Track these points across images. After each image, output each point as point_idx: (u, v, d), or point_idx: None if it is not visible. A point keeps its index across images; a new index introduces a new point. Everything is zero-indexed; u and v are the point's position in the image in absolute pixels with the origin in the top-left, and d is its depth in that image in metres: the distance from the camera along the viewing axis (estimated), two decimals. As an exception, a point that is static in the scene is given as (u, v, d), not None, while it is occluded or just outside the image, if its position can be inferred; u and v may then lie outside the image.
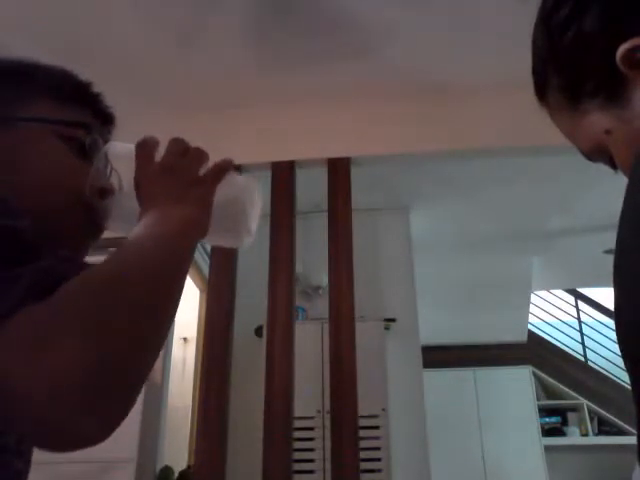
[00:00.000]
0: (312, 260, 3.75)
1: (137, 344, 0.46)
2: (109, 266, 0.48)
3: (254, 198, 0.66)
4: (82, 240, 0.65)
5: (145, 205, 0.58)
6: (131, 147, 0.63)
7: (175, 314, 0.52)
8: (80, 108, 0.68)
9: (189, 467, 3.35)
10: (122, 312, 0.44)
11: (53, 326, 0.41)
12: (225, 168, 0.64)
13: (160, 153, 0.63)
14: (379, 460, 3.24)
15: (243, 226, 0.64)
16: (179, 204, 0.57)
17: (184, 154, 0.62)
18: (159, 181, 0.59)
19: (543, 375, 6.52)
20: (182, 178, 0.59)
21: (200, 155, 0.63)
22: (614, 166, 0.59)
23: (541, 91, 0.63)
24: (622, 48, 0.51)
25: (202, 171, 0.62)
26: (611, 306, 0.47)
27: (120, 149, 0.65)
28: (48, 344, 0.40)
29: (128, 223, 0.61)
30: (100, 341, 0.42)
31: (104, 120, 0.72)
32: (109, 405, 0.44)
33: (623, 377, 5.97)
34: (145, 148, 0.62)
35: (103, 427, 0.45)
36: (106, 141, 0.71)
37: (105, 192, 0.65)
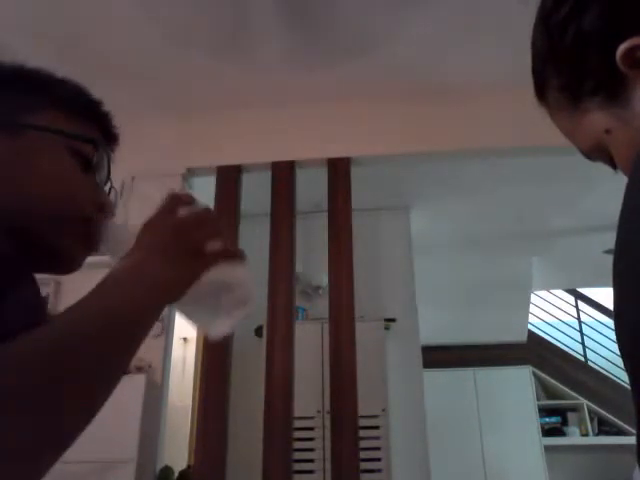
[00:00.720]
0: (312, 260, 3.75)
1: (74, 415, 0.46)
2: (54, 329, 0.46)
3: (244, 297, 0.63)
4: (78, 251, 0.66)
5: (137, 245, 0.58)
6: (157, 195, 0.63)
7: (116, 383, 0.51)
8: (89, 124, 0.69)
9: (189, 467, 3.35)
10: (59, 385, 0.44)
11: None
12: (234, 257, 0.62)
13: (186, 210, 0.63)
14: (379, 460, 3.24)
15: (219, 316, 0.62)
16: (167, 268, 0.56)
17: (204, 226, 0.61)
18: (164, 233, 0.59)
19: (543, 375, 6.52)
20: (186, 246, 0.59)
21: (217, 231, 0.62)
22: (614, 165, 0.59)
23: (541, 91, 0.63)
24: (622, 47, 0.51)
25: (210, 247, 0.61)
26: (611, 306, 0.47)
27: (147, 191, 0.67)
28: None
29: (114, 250, 0.62)
30: (35, 415, 0.42)
31: (109, 139, 0.73)
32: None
33: (623, 377, 5.97)
34: (175, 202, 0.62)
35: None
36: (111, 158, 0.73)
37: (105, 208, 0.66)
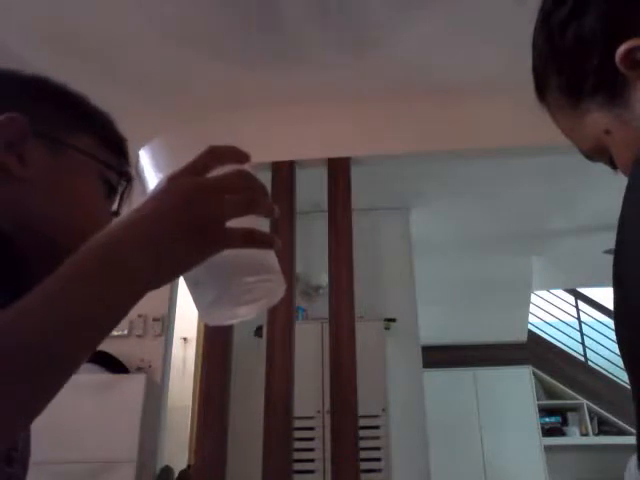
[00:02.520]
0: (312, 260, 3.75)
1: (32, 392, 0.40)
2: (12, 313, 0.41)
3: (264, 287, 0.51)
4: None
5: (144, 204, 0.47)
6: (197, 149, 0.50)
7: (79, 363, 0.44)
8: (115, 153, 0.71)
9: (189, 467, 3.35)
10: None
11: None
12: (256, 242, 0.49)
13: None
14: (379, 460, 3.24)
15: (226, 303, 0.50)
16: (171, 235, 0.45)
17: (233, 190, 0.48)
18: (176, 197, 0.46)
19: (543, 375, 6.52)
20: (201, 217, 0.46)
21: (247, 206, 0.48)
22: (614, 166, 0.59)
23: (541, 91, 0.63)
24: (621, 48, 0.51)
25: (234, 222, 0.48)
26: (611, 306, 0.47)
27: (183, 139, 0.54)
28: None
29: None
30: None
31: (126, 174, 0.75)
32: None
33: (623, 377, 5.97)
34: (207, 158, 0.49)
35: None
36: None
37: None
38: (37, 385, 0.41)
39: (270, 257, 0.52)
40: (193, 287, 0.52)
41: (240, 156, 0.51)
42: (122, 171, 0.70)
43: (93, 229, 0.59)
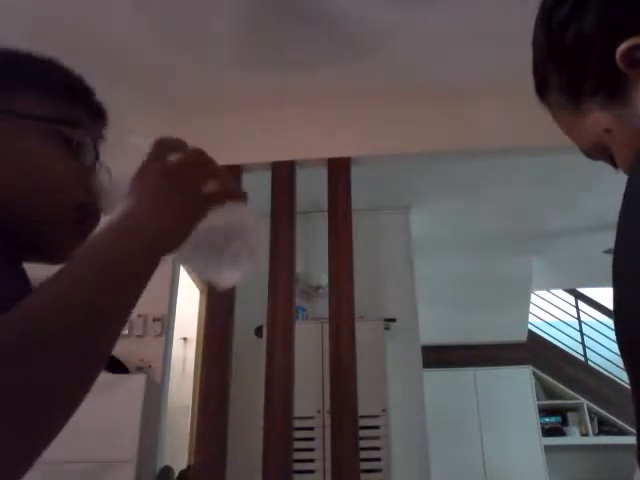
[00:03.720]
0: (312, 260, 3.75)
1: (57, 393, 0.42)
2: (34, 304, 0.43)
3: (251, 242, 0.58)
4: (72, 242, 0.62)
5: (129, 196, 0.53)
6: (147, 141, 0.58)
7: (115, 338, 0.47)
8: (68, 102, 0.65)
9: (189, 467, 3.35)
10: (40, 360, 0.40)
11: None
12: (232, 197, 0.57)
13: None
14: (379, 460, 3.24)
15: (226, 265, 0.57)
16: (162, 211, 0.52)
17: (196, 165, 0.56)
18: (156, 178, 0.54)
19: (543, 375, 6.52)
20: (181, 186, 0.54)
21: (213, 171, 0.57)
22: (615, 165, 0.59)
23: (542, 90, 0.63)
24: (622, 47, 0.51)
25: (208, 187, 0.56)
26: (611, 306, 0.47)
27: (138, 142, 0.60)
28: None
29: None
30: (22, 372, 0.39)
31: (96, 116, 0.69)
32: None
33: (623, 377, 5.97)
34: (162, 146, 0.57)
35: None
36: (99, 137, 0.69)
37: (95, 190, 0.61)
38: (102, 340, 0.46)
39: (245, 216, 0.59)
40: (196, 261, 0.59)
41: (182, 143, 0.59)
42: (76, 121, 0.64)
43: (46, 195, 0.60)
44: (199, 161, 0.57)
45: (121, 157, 0.59)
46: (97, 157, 0.68)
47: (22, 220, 0.59)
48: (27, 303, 0.42)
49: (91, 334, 0.44)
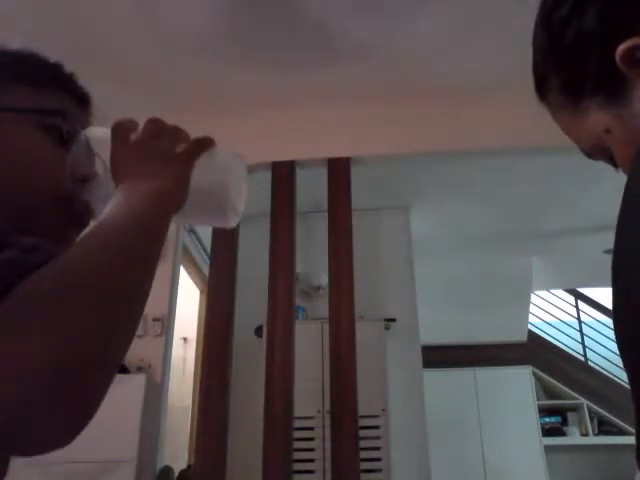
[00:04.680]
0: (312, 260, 3.75)
1: (106, 333, 0.44)
2: (74, 252, 0.46)
3: (239, 175, 0.63)
4: (65, 233, 0.63)
5: (118, 183, 0.56)
6: (108, 130, 0.61)
7: (148, 291, 0.50)
8: (54, 93, 0.65)
9: (189, 467, 3.35)
10: (89, 302, 0.43)
11: (15, 324, 0.40)
12: (203, 145, 0.61)
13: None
14: (379, 460, 3.24)
15: (227, 205, 0.62)
16: (150, 179, 0.55)
17: (160, 134, 0.60)
18: (132, 160, 0.57)
19: (543, 375, 6.52)
20: (155, 156, 0.58)
21: (176, 133, 0.61)
22: (615, 164, 0.59)
23: (541, 90, 0.63)
24: (622, 47, 0.51)
25: (180, 149, 0.60)
26: (611, 306, 0.47)
27: (98, 133, 0.62)
28: (8, 343, 0.38)
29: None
30: (67, 336, 0.40)
31: (81, 102, 0.69)
32: (77, 399, 0.41)
33: (623, 377, 5.96)
34: (120, 129, 0.60)
35: (71, 423, 0.42)
36: (86, 125, 0.68)
37: (85, 179, 0.62)
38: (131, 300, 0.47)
39: (225, 156, 0.64)
40: (200, 215, 0.64)
41: (135, 122, 0.62)
42: (65, 110, 0.64)
43: (37, 187, 0.60)
44: (160, 129, 0.60)
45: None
46: (87, 145, 0.67)
47: (15, 213, 0.59)
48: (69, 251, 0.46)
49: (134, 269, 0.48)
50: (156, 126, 0.61)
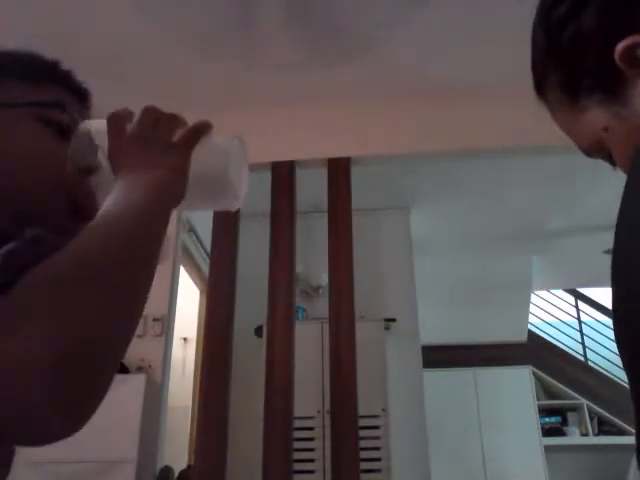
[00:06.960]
0: (312, 260, 3.75)
1: (109, 325, 0.44)
2: (76, 246, 0.46)
3: (238, 157, 0.63)
4: (69, 225, 0.62)
5: (117, 175, 0.56)
6: (105, 122, 0.61)
7: (150, 284, 0.50)
8: (53, 88, 0.66)
9: (189, 467, 3.35)
10: (91, 294, 0.43)
11: (18, 315, 0.40)
12: (200, 131, 0.60)
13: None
14: (379, 460, 3.24)
15: (228, 188, 0.61)
16: (149, 169, 0.55)
17: (156, 122, 0.59)
18: (130, 150, 0.57)
19: (543, 375, 6.52)
20: (153, 145, 0.57)
21: (172, 121, 0.60)
22: (613, 163, 0.59)
23: (540, 88, 0.63)
24: (620, 46, 0.51)
25: (177, 136, 0.59)
26: (611, 306, 0.47)
27: (97, 125, 0.62)
28: (9, 334, 0.38)
29: None
30: (69, 329, 0.40)
31: (80, 97, 0.70)
32: (79, 391, 0.41)
33: (623, 377, 5.96)
34: (116, 120, 0.59)
35: (73, 416, 0.42)
36: (86, 118, 0.68)
37: (87, 171, 0.61)
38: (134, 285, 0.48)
39: (223, 140, 0.63)
40: (204, 201, 0.63)
41: (130, 112, 0.61)
42: (57, 102, 0.64)
43: (37, 181, 0.60)
44: (154, 118, 0.59)
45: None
46: (89, 137, 0.67)
47: (18, 205, 0.59)
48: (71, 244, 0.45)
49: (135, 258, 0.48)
50: (152, 114, 0.60)
